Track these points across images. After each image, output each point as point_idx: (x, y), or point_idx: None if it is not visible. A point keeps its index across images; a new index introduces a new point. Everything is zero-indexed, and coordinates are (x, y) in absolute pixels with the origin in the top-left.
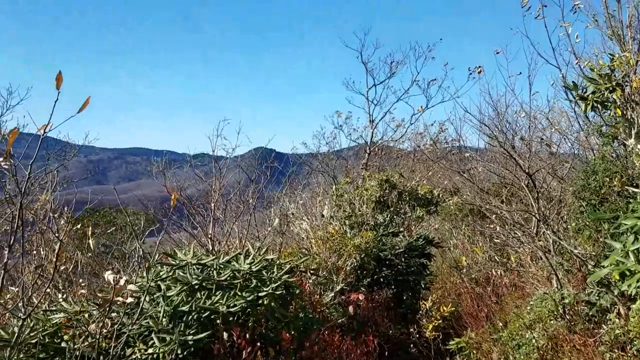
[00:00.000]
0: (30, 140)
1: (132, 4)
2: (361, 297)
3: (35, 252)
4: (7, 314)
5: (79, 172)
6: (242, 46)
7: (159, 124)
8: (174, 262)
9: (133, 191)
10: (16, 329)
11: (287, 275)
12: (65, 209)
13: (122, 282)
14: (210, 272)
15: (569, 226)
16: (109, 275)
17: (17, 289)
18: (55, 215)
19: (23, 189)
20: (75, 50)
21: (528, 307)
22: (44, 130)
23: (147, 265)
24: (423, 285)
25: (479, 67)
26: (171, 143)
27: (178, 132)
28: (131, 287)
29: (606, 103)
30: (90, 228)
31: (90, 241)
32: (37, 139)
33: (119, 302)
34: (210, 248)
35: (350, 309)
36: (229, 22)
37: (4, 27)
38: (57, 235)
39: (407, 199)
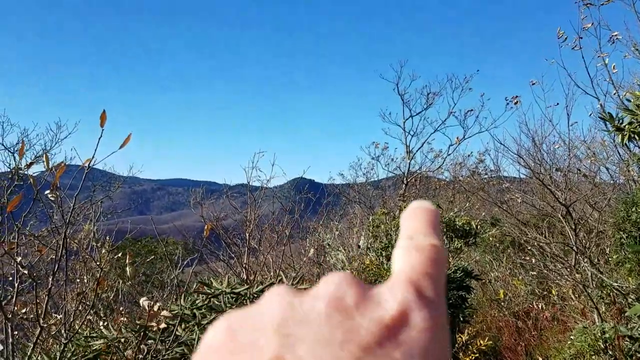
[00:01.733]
0: (76, 171)
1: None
2: None
3: (78, 280)
4: (50, 339)
5: (123, 203)
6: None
7: (200, 154)
8: (209, 291)
9: (174, 221)
10: (58, 354)
11: None
12: (108, 238)
13: (155, 308)
14: (244, 301)
15: (609, 259)
16: (143, 302)
17: (60, 316)
18: (98, 245)
19: (67, 220)
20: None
21: (569, 342)
22: (88, 164)
23: (181, 293)
24: (462, 319)
25: (516, 97)
26: (212, 174)
27: (218, 162)
28: (164, 313)
29: None
30: (128, 257)
31: (127, 269)
32: (82, 171)
33: (154, 329)
34: (245, 277)
35: None
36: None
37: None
38: (97, 263)
39: (445, 230)
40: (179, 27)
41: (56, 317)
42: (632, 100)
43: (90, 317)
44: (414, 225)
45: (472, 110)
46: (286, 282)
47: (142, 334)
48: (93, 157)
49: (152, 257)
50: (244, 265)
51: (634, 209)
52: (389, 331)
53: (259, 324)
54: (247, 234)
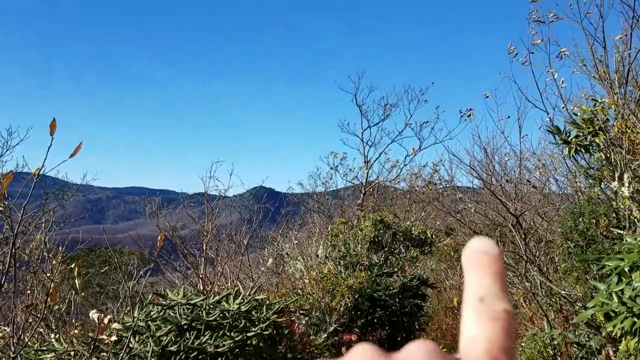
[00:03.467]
0: (24, 180)
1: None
2: (354, 338)
3: (29, 291)
4: None
5: (77, 212)
6: (238, 92)
7: (157, 163)
8: (164, 302)
9: (130, 231)
10: None
11: (276, 316)
12: (60, 248)
13: (106, 320)
14: (200, 312)
15: (558, 267)
16: (93, 314)
17: (8, 328)
18: (50, 255)
19: (16, 230)
20: (76, 90)
21: (519, 349)
22: (38, 173)
23: (135, 304)
24: (418, 327)
25: (470, 109)
26: (169, 182)
27: (176, 170)
28: (116, 325)
29: (589, 147)
30: (77, 267)
31: (77, 280)
32: (33, 180)
33: (105, 341)
34: (202, 288)
35: (343, 350)
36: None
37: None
38: (48, 275)
39: (402, 239)
40: (135, 31)
41: (4, 329)
42: (578, 114)
43: (41, 330)
44: (483, 282)
45: (427, 121)
46: (243, 292)
47: (93, 346)
48: (43, 165)
49: (106, 267)
50: (200, 276)
51: (580, 219)
52: None
53: None
54: (204, 244)
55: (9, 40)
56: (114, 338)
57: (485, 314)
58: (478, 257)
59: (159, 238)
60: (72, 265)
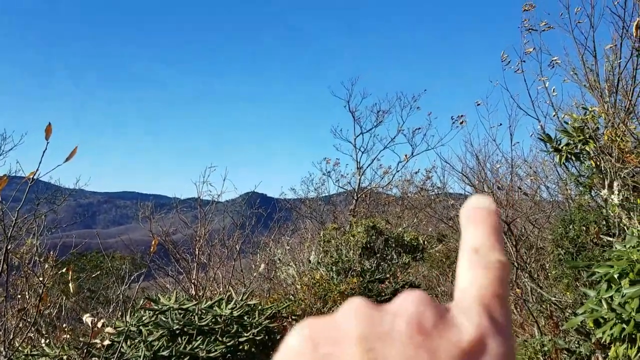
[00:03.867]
0: (20, 184)
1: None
2: None
3: (20, 296)
4: None
5: (68, 216)
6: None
7: (149, 167)
8: (156, 307)
9: (121, 235)
10: None
11: (268, 321)
12: (51, 252)
13: (99, 324)
14: (192, 317)
15: (549, 274)
16: (86, 318)
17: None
18: (41, 260)
19: (9, 234)
20: (68, 96)
21: None
22: (32, 177)
23: (127, 309)
24: None
25: (462, 116)
26: (162, 187)
27: (169, 175)
28: (109, 329)
29: (579, 155)
30: (70, 272)
31: (70, 284)
32: (25, 183)
33: (98, 346)
34: (194, 293)
35: None
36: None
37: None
38: (40, 279)
39: (394, 245)
40: (136, 33)
41: None
42: (569, 123)
43: (32, 335)
44: (478, 234)
45: (419, 128)
46: (235, 297)
47: (85, 351)
48: (37, 170)
49: (98, 272)
50: (192, 281)
51: (571, 227)
52: (467, 356)
53: (339, 335)
54: (196, 249)
55: (8, 40)
56: (107, 342)
57: (479, 264)
58: (475, 212)
59: (153, 243)
60: (64, 270)
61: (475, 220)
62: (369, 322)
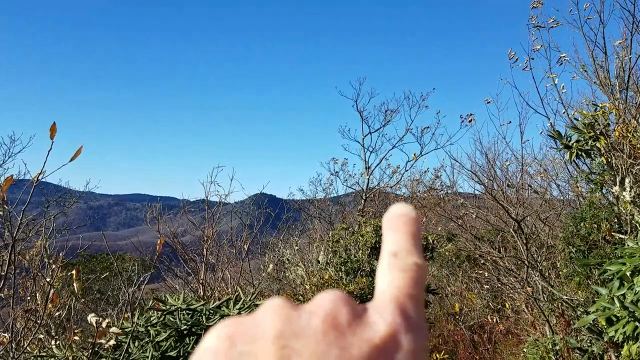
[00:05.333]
0: (25, 186)
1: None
2: None
3: (29, 297)
4: None
5: (78, 219)
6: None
7: (159, 169)
8: (164, 308)
9: (131, 237)
10: None
11: None
12: (60, 254)
13: (104, 324)
14: (200, 317)
15: (560, 272)
16: (91, 318)
17: (7, 334)
18: (50, 261)
19: (15, 235)
20: (74, 97)
21: (521, 355)
22: (37, 178)
23: (135, 310)
24: None
25: (471, 114)
26: (172, 189)
27: (179, 177)
28: (114, 329)
29: (590, 151)
30: (76, 272)
31: (75, 284)
32: (36, 186)
33: (105, 346)
34: (202, 294)
35: None
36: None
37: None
38: (48, 280)
39: None
40: (145, 42)
41: (3, 335)
42: (579, 119)
43: (41, 336)
44: (397, 239)
45: (428, 127)
46: (244, 297)
47: (92, 352)
48: (42, 170)
49: (107, 273)
50: (200, 282)
51: (582, 224)
52: (378, 352)
53: (257, 334)
54: (204, 250)
55: (11, 41)
56: (112, 342)
57: (396, 266)
58: (395, 219)
59: (159, 242)
60: (73, 272)
61: (396, 227)
62: (286, 320)
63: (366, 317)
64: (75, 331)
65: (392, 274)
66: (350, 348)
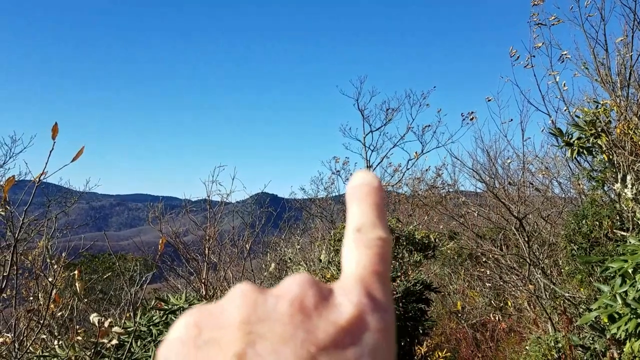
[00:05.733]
0: (27, 187)
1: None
2: None
3: (32, 297)
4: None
5: (80, 219)
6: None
7: (160, 169)
8: (166, 307)
9: (134, 237)
10: None
11: None
12: (62, 254)
13: (106, 324)
14: None
15: (562, 270)
16: (93, 318)
17: (10, 334)
18: (53, 262)
19: (17, 235)
20: (75, 98)
21: (524, 352)
22: (39, 178)
23: (137, 309)
24: (421, 331)
25: (472, 112)
26: (173, 189)
27: (181, 177)
28: (116, 329)
29: (591, 149)
30: (77, 272)
31: (77, 284)
32: (38, 186)
33: (107, 345)
34: (204, 293)
35: None
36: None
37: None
38: (50, 280)
39: (404, 243)
40: (146, 42)
41: (6, 336)
42: (580, 117)
43: (45, 337)
44: (361, 212)
45: (429, 125)
46: None
47: (95, 351)
48: (44, 170)
49: (109, 273)
50: (202, 281)
51: (584, 222)
52: (344, 333)
53: (223, 320)
54: (206, 249)
55: (11, 41)
56: (114, 341)
57: (361, 242)
58: (358, 189)
59: (160, 242)
60: (75, 272)
61: (359, 198)
62: (253, 305)
63: (332, 299)
64: (78, 331)
65: (357, 251)
66: (316, 330)
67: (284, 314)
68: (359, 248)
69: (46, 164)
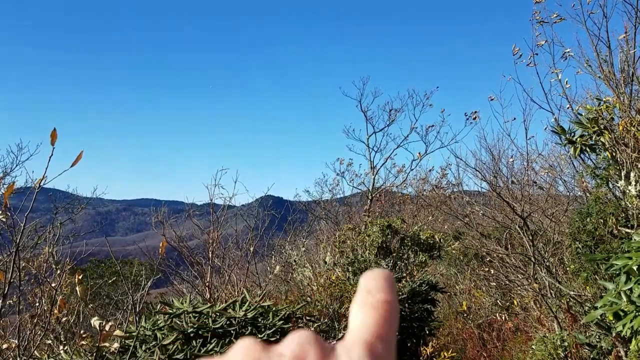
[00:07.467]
0: (34, 194)
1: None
2: None
3: (37, 303)
4: None
5: (87, 225)
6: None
7: (166, 174)
8: (171, 311)
9: (139, 242)
10: None
11: (282, 322)
12: (68, 260)
13: (107, 327)
14: (206, 320)
15: (567, 268)
16: (94, 321)
17: (15, 340)
18: (58, 267)
19: (19, 241)
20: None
21: (530, 351)
22: (39, 184)
23: (142, 314)
24: (428, 332)
25: (475, 112)
26: (179, 193)
27: (186, 181)
28: (118, 332)
29: (594, 146)
30: (78, 275)
31: (78, 288)
32: (43, 193)
33: (110, 350)
34: (208, 296)
35: None
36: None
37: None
38: (53, 285)
39: (410, 244)
40: (144, 47)
41: (12, 341)
42: (583, 114)
43: (50, 342)
44: (372, 281)
45: (433, 125)
46: (250, 299)
47: (99, 355)
48: (44, 175)
49: (114, 278)
50: (207, 284)
51: (588, 219)
52: None
53: None
54: (209, 252)
55: (11, 43)
56: (115, 345)
57: (368, 303)
58: (372, 272)
59: (161, 245)
60: (81, 277)
61: (371, 276)
62: None
63: (334, 359)
64: (84, 336)
65: (364, 312)
66: None
67: None
68: (365, 308)
69: (46, 169)
